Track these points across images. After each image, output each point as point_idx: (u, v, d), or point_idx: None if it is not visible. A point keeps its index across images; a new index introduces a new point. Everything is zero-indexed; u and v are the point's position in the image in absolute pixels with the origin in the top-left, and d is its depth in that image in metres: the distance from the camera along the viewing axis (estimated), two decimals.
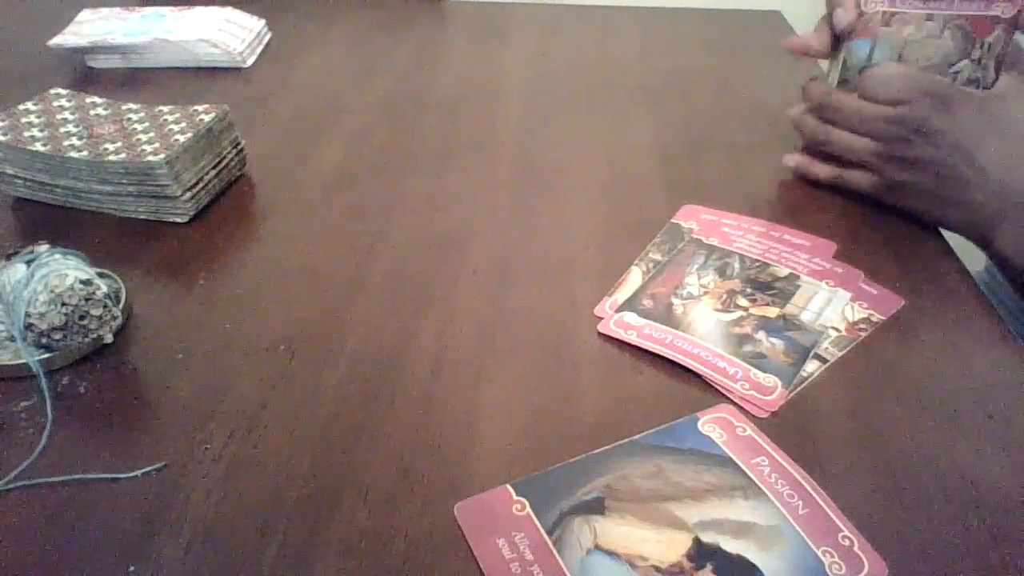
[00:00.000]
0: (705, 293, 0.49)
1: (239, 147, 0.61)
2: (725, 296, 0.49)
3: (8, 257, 0.45)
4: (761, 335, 0.46)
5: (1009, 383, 0.43)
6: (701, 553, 0.34)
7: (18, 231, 0.56)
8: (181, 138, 0.56)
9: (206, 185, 0.57)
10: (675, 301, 0.48)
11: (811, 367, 0.44)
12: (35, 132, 0.57)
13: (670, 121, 0.71)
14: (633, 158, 0.65)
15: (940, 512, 0.36)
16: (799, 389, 0.43)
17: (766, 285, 0.50)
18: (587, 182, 0.62)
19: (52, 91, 0.62)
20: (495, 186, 0.61)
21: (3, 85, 0.76)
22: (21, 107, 0.60)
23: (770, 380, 0.43)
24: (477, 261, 0.53)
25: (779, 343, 0.45)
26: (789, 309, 0.47)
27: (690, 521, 0.35)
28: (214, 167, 0.58)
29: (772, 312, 0.47)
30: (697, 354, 0.44)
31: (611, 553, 0.34)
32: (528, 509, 0.36)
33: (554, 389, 0.43)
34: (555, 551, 0.34)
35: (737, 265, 0.51)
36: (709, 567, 0.33)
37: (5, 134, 0.56)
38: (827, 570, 0.33)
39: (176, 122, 0.58)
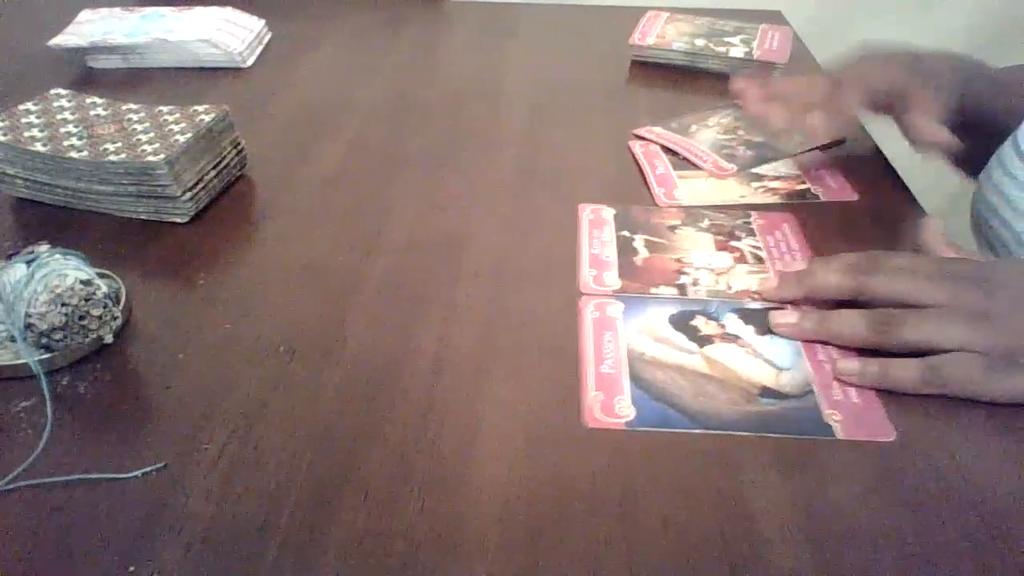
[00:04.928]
0: None
1: (239, 147, 0.61)
2: None
3: (8, 257, 0.45)
4: None
5: None
6: None
7: (18, 231, 0.56)
8: (181, 138, 0.56)
9: (206, 185, 0.57)
10: None
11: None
12: (35, 132, 0.57)
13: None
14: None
15: (940, 512, 0.36)
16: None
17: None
18: (588, 182, 0.62)
19: (52, 91, 0.62)
20: (496, 186, 0.61)
21: (3, 85, 0.76)
22: (21, 107, 0.60)
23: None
24: (478, 261, 0.53)
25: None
26: None
27: None
28: (214, 167, 0.58)
29: None
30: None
31: None
32: None
33: (554, 389, 0.43)
34: None
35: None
36: None
37: (5, 134, 0.56)
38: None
39: (176, 122, 0.58)
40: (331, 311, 0.48)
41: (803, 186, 0.60)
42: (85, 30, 0.81)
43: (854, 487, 0.37)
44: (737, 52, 0.80)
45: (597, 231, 0.55)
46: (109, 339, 0.44)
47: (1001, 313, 0.41)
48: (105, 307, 0.43)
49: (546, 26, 0.94)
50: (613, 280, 0.50)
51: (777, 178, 0.62)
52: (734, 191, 0.60)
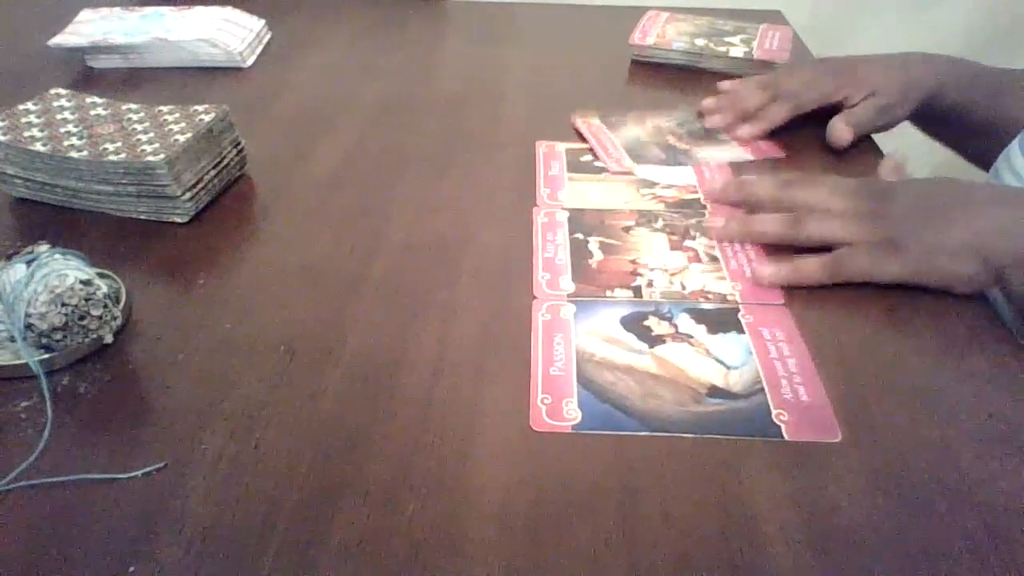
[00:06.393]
0: None
1: (239, 147, 0.61)
2: None
3: (8, 257, 0.45)
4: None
5: (1009, 382, 0.43)
6: None
7: (18, 231, 0.56)
8: (181, 138, 0.56)
9: (206, 185, 0.57)
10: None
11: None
12: (35, 132, 0.57)
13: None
14: None
15: (940, 512, 0.36)
16: None
17: None
18: None
19: (52, 91, 0.62)
20: (495, 186, 0.61)
21: (3, 85, 0.76)
22: (21, 107, 0.60)
23: None
24: (477, 261, 0.53)
25: None
26: None
27: None
28: (214, 167, 0.58)
29: None
30: None
31: None
32: None
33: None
34: None
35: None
36: None
37: (5, 134, 0.56)
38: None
39: (176, 122, 0.58)
40: (331, 311, 0.48)
41: (692, 195, 0.60)
42: (85, 30, 0.81)
43: (857, 486, 0.37)
44: (737, 52, 0.80)
45: (551, 234, 0.54)
46: (109, 339, 0.44)
47: (888, 213, 0.50)
48: (105, 307, 0.43)
49: (546, 26, 0.94)
50: (567, 284, 0.50)
51: (670, 187, 0.61)
52: (620, 196, 0.59)
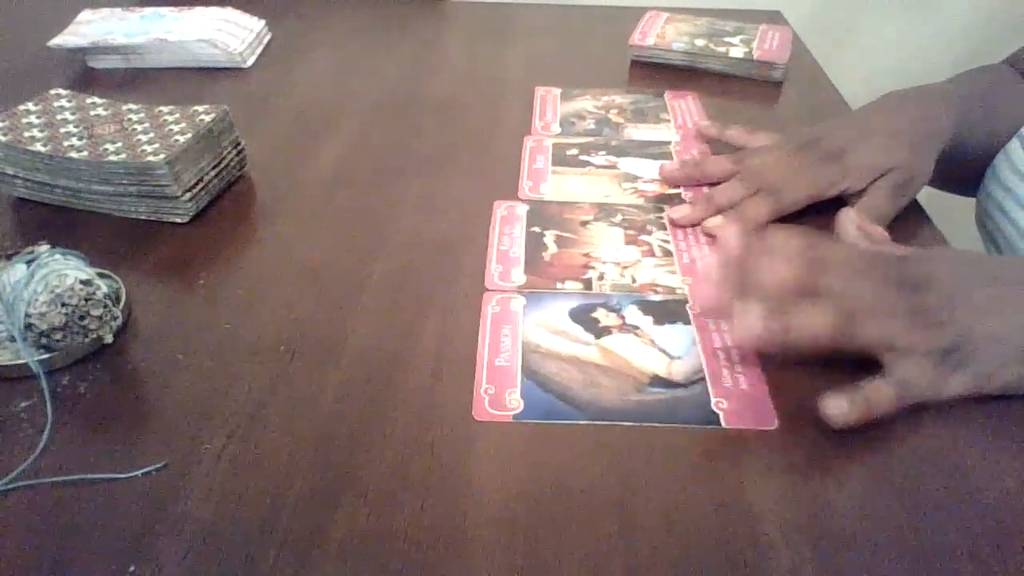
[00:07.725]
0: None
1: (239, 147, 0.61)
2: None
3: (8, 257, 0.45)
4: None
5: None
6: None
7: (18, 231, 0.56)
8: (181, 138, 0.56)
9: (206, 185, 0.57)
10: None
11: None
12: (35, 132, 0.57)
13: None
14: None
15: (940, 512, 0.36)
16: None
17: None
18: None
19: (52, 91, 0.62)
20: (495, 186, 0.61)
21: (3, 85, 0.76)
22: (21, 107, 0.60)
23: None
24: (477, 261, 0.53)
25: None
26: None
27: None
28: (214, 167, 0.58)
29: None
30: None
31: None
32: None
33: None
34: None
35: None
36: None
37: (5, 134, 0.56)
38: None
39: (176, 122, 0.58)
40: (331, 311, 0.48)
41: (674, 190, 0.60)
42: (85, 30, 0.81)
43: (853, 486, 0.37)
44: (737, 52, 0.80)
45: (508, 227, 0.55)
46: (109, 339, 0.44)
47: (939, 311, 0.40)
48: (105, 307, 0.43)
49: (546, 26, 0.94)
50: (519, 276, 0.50)
51: (652, 180, 0.61)
52: (602, 190, 0.60)
